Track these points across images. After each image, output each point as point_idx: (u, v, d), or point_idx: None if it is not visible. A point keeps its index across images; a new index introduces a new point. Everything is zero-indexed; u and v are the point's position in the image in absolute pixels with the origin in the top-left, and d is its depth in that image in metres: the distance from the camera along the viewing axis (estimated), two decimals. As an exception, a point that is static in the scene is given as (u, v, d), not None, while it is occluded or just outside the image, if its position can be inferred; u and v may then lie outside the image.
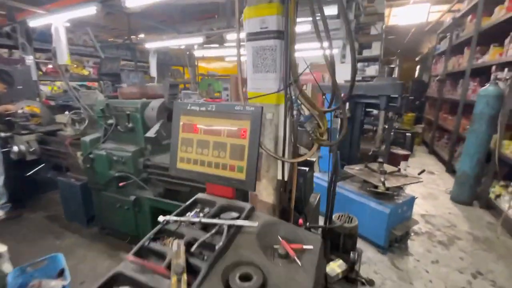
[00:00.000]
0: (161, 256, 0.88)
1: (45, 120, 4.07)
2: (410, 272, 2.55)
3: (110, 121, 2.87)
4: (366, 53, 6.97)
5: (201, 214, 1.07)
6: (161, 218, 1.00)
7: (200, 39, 4.97)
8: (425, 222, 3.46)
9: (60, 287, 1.83)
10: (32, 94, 4.56)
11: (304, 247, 0.94)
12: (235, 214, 1.05)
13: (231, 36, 4.48)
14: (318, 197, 2.48)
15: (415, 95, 8.37)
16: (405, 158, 4.92)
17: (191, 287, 0.74)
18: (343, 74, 1.78)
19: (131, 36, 7.24)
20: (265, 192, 1.39)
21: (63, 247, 2.96)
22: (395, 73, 9.45)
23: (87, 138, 2.92)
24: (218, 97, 8.47)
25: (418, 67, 11.60)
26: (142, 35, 9.12)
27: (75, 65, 5.82)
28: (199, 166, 1.15)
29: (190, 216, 1.04)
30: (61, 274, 2.11)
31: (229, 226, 0.96)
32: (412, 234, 3.15)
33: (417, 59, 11.30)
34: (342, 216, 2.07)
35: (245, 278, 0.79)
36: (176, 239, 0.91)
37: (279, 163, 1.32)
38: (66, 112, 3.55)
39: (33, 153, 3.62)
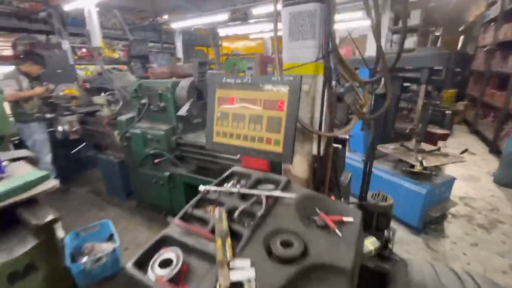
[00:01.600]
0: (203, 222, 0.91)
1: (84, 102, 4.34)
2: (446, 253, 2.45)
3: (143, 101, 2.98)
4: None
5: (238, 186, 1.09)
6: (201, 188, 1.03)
7: (225, 16, 4.86)
8: (464, 205, 3.26)
9: (111, 249, 2.02)
10: (70, 78, 4.83)
11: (344, 219, 0.93)
12: (271, 186, 1.05)
13: (257, 10, 4.31)
14: (350, 175, 2.42)
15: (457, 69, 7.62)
16: (444, 137, 4.58)
17: (235, 250, 0.77)
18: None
19: (157, 18, 7.27)
20: (299, 168, 1.37)
21: (107, 218, 3.24)
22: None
23: (123, 118, 3.08)
24: (242, 77, 8.39)
25: (461, 37, 10.44)
26: (166, 16, 9.13)
27: (107, 48, 6.03)
28: (235, 139, 1.16)
29: (228, 187, 1.06)
30: (110, 238, 2.34)
31: (267, 197, 0.97)
32: (450, 216, 2.99)
33: (461, 28, 10.13)
34: (376, 194, 2.01)
35: (286, 244, 0.80)
36: (217, 207, 0.94)
37: (315, 138, 1.28)
38: (102, 94, 3.74)
39: (75, 133, 3.91)
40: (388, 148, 2.96)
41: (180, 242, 0.82)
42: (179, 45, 6.77)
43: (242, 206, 0.92)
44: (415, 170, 2.61)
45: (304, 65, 1.16)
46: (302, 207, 0.99)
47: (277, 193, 0.96)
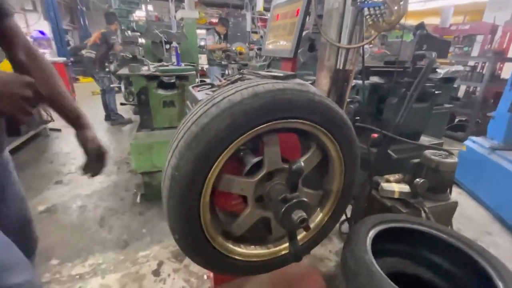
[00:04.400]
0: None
1: (246, 57, 5.86)
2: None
3: (272, 51, 3.81)
4: None
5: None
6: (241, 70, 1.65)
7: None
8: None
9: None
10: (244, 39, 6.53)
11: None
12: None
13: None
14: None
15: None
16: None
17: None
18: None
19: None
20: (323, 81, 1.64)
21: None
22: None
23: (258, 65, 4.09)
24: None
25: None
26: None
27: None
28: (273, 46, 1.65)
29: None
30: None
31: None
32: None
33: None
34: (442, 153, 1.79)
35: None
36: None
37: (341, 52, 1.51)
38: (252, 50, 4.96)
39: (234, 76, 5.49)
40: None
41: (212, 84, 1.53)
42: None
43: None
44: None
45: (336, -15, 1.40)
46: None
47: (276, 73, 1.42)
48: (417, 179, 1.63)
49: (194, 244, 0.79)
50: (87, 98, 7.04)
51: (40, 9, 9.28)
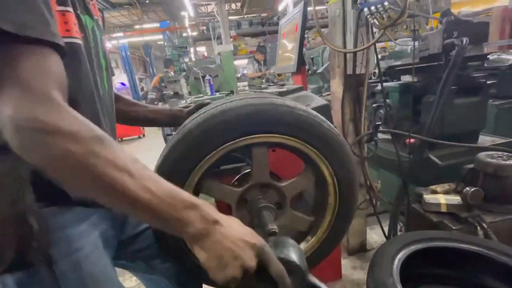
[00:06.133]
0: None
1: (286, 78, 5.99)
2: None
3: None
4: None
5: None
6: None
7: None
8: None
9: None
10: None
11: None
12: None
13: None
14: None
15: None
16: None
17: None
18: None
19: None
20: (337, 89, 1.56)
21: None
22: None
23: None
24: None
25: None
26: None
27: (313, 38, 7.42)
28: (283, 61, 1.68)
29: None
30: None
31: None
32: None
33: None
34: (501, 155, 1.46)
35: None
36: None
37: (349, 58, 1.43)
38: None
39: (274, 98, 5.64)
40: None
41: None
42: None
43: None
44: None
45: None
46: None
47: (280, 88, 1.43)
48: (467, 188, 1.34)
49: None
50: (154, 132, 8.15)
51: (120, 65, 11.47)
